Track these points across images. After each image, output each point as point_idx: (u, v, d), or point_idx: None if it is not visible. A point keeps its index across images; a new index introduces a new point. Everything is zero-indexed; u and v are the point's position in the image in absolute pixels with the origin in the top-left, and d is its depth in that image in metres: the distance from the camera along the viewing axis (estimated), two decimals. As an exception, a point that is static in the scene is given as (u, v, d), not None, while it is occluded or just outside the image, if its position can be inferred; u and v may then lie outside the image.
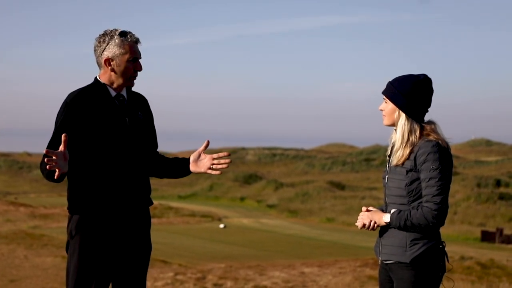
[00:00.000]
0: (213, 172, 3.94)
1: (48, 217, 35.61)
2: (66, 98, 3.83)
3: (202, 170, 3.97)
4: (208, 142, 3.96)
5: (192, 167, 4.00)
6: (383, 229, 3.76)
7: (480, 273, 18.81)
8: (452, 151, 3.72)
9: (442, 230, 3.81)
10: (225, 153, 3.95)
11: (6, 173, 69.76)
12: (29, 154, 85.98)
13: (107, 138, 3.80)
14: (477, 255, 23.02)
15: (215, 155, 3.99)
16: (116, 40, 3.82)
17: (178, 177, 4.08)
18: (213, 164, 3.96)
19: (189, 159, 4.02)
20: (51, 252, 21.68)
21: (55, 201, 43.33)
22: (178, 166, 4.04)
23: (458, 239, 31.55)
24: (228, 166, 3.95)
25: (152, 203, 4.02)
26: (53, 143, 3.75)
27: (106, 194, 3.80)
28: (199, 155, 3.99)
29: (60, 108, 3.82)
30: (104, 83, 3.88)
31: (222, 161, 3.96)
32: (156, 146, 4.13)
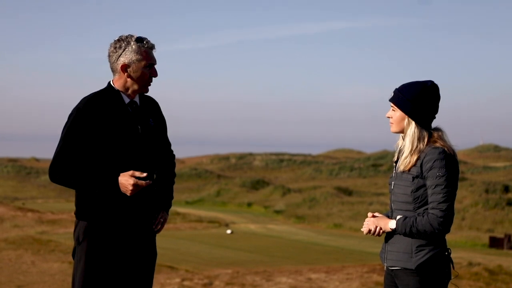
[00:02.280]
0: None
1: (55, 222, 35.67)
2: (79, 104, 3.78)
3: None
4: None
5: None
6: (389, 235, 3.75)
7: (488, 280, 18.74)
8: (461, 157, 3.73)
9: (450, 236, 3.80)
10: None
11: (14, 179, 70.00)
12: (37, 160, 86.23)
13: (118, 146, 3.76)
14: (485, 261, 22.94)
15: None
16: (133, 46, 3.79)
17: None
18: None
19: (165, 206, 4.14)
20: (59, 257, 21.71)
21: (63, 207, 43.40)
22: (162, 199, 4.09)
23: (466, 245, 31.44)
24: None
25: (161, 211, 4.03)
26: (64, 150, 3.73)
27: (115, 201, 3.77)
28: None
29: (71, 113, 3.78)
30: (118, 90, 3.84)
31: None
32: (170, 152, 4.11)
